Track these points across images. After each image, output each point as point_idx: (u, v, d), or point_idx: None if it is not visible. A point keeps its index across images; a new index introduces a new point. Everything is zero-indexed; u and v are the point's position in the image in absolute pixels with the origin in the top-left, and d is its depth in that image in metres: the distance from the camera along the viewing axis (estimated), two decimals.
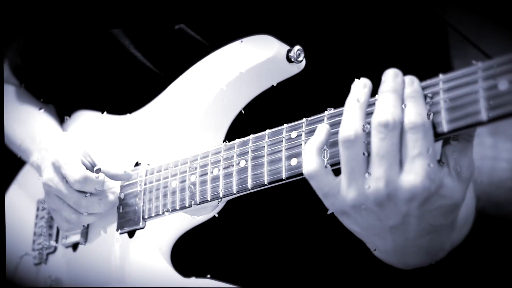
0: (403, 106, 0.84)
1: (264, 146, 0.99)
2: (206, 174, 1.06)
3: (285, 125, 0.97)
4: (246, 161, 1.00)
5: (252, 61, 1.10)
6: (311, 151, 0.88)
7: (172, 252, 1.18)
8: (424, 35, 1.19)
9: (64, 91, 1.41)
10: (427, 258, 0.95)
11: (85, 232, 1.28)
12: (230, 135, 1.12)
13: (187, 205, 1.08)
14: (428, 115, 0.83)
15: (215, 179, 1.04)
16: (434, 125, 0.83)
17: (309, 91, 1.13)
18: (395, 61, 1.13)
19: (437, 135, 0.83)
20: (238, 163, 1.02)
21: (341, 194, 0.86)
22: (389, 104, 0.83)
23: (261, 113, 1.11)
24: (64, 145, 1.22)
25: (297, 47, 1.08)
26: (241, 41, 1.12)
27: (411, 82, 0.85)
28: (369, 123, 0.85)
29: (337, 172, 0.88)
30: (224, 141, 1.07)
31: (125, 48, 1.27)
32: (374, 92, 0.88)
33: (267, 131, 1.00)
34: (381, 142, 0.82)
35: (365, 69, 1.10)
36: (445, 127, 0.81)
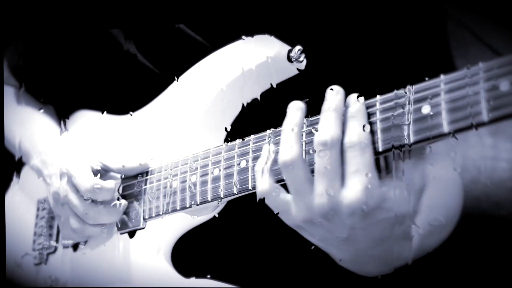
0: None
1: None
2: (207, 174, 1.06)
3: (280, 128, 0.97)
4: (247, 161, 1.01)
5: (253, 61, 1.10)
6: (259, 173, 0.93)
7: (173, 252, 1.18)
8: (424, 35, 1.19)
9: (64, 91, 1.41)
10: (385, 267, 0.98)
11: None
12: (231, 135, 1.12)
13: (187, 205, 1.08)
14: (363, 128, 0.87)
15: (216, 179, 1.04)
16: (374, 142, 0.87)
17: (310, 91, 1.12)
18: (396, 62, 1.14)
19: (377, 153, 0.87)
20: (239, 164, 1.02)
21: (292, 211, 0.92)
22: (329, 123, 0.88)
23: (262, 113, 1.11)
24: (69, 151, 1.21)
25: (298, 47, 1.08)
26: (243, 38, 1.12)
27: (354, 101, 0.89)
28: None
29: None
30: (225, 141, 1.07)
31: (125, 49, 1.27)
32: (371, 90, 0.90)
33: (268, 131, 1.00)
34: (321, 160, 0.87)
35: (365, 70, 1.10)
36: (445, 128, 0.81)
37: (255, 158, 1.00)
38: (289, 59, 1.08)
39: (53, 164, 1.22)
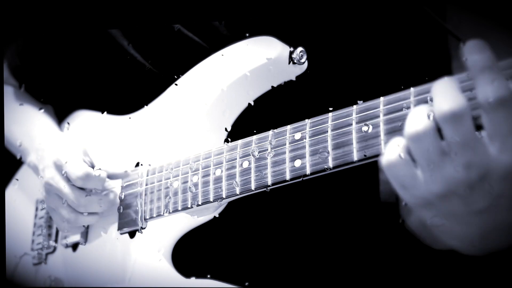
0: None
1: (267, 148, 0.99)
2: (209, 175, 1.06)
3: (289, 126, 0.97)
4: (249, 162, 1.01)
5: (254, 62, 1.10)
6: (390, 144, 0.84)
7: (173, 253, 1.18)
8: (424, 36, 1.19)
9: (63, 91, 1.41)
10: (507, 242, 0.90)
11: (85, 232, 1.28)
12: (232, 136, 1.12)
13: (189, 206, 1.08)
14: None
15: (218, 179, 1.04)
16: None
17: (312, 93, 1.13)
18: (396, 62, 1.14)
19: None
20: (241, 164, 1.02)
21: (425, 184, 0.82)
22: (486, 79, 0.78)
23: (264, 115, 1.11)
24: (64, 144, 1.22)
25: (300, 48, 1.08)
26: (247, 35, 1.12)
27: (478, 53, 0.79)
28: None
29: None
30: (225, 141, 1.07)
31: (124, 49, 1.27)
32: (369, 91, 0.89)
33: (271, 132, 1.00)
34: (456, 131, 0.79)
35: (366, 71, 1.10)
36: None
37: (257, 159, 1.00)
38: (291, 60, 1.08)
39: (47, 158, 1.22)
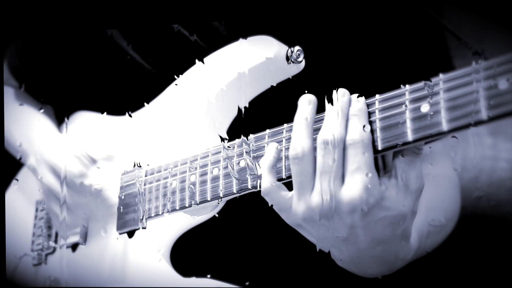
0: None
1: (264, 146, 0.99)
2: (206, 174, 1.06)
3: (285, 125, 0.98)
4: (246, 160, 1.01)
5: (252, 62, 1.10)
6: (263, 170, 0.94)
7: (172, 252, 1.18)
8: (422, 35, 1.19)
9: (63, 92, 1.41)
10: (384, 268, 0.98)
11: (85, 233, 1.28)
12: (230, 135, 1.12)
13: (187, 205, 1.08)
14: (363, 128, 0.88)
15: (215, 179, 1.04)
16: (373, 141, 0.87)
17: (309, 92, 1.12)
18: (394, 62, 1.14)
19: (376, 152, 0.87)
20: (238, 163, 1.02)
21: (293, 208, 0.92)
22: (333, 122, 0.88)
23: (261, 114, 1.11)
24: (61, 148, 1.22)
25: (297, 47, 1.08)
26: (242, 39, 1.13)
27: (356, 101, 0.89)
28: None
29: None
30: (223, 140, 1.07)
31: (123, 49, 1.27)
32: (369, 91, 0.90)
33: (267, 131, 1.00)
34: (323, 158, 0.88)
35: (364, 70, 1.10)
36: (445, 127, 0.81)
37: (255, 158, 1.00)
38: (288, 59, 1.08)
39: (45, 162, 1.22)
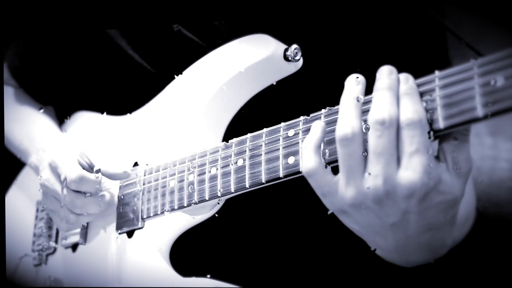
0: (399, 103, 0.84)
1: (261, 145, 0.99)
2: (204, 173, 1.06)
3: (282, 124, 0.97)
4: (244, 160, 1.00)
5: (250, 60, 1.10)
6: (308, 150, 0.88)
7: (171, 252, 1.18)
8: (422, 35, 1.19)
9: (63, 92, 1.42)
10: (429, 255, 0.94)
11: (84, 233, 1.28)
12: (229, 134, 1.12)
13: (185, 205, 1.08)
14: (427, 111, 0.82)
15: (213, 178, 1.04)
16: (431, 122, 0.82)
17: (307, 90, 1.13)
18: (393, 61, 1.13)
19: (434, 132, 0.83)
20: (236, 162, 1.02)
21: (340, 193, 0.86)
22: (385, 102, 0.83)
23: (259, 112, 1.11)
24: (61, 146, 1.22)
25: (294, 46, 1.08)
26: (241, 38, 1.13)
27: (406, 80, 0.85)
28: (365, 121, 0.84)
29: (336, 171, 0.88)
30: (223, 139, 1.07)
31: (123, 49, 1.27)
32: (369, 90, 0.88)
33: (265, 129, 0.99)
34: (378, 140, 0.82)
35: (362, 68, 1.10)
36: (441, 124, 0.81)
37: (252, 157, 1.00)
38: (286, 58, 1.08)
39: (45, 159, 1.22)
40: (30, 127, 1.37)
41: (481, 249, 1.32)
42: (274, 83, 1.11)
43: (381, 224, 0.87)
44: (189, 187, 1.07)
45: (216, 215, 1.12)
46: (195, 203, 1.07)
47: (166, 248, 1.18)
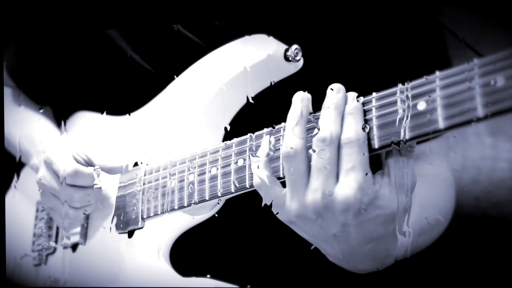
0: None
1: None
2: (204, 173, 1.06)
3: (283, 124, 0.98)
4: (244, 160, 1.01)
5: (250, 61, 1.10)
6: (256, 164, 0.94)
7: (171, 252, 1.18)
8: (421, 35, 1.19)
9: (62, 93, 1.42)
10: (375, 264, 0.99)
11: (84, 233, 1.28)
12: (229, 134, 1.12)
13: (185, 205, 1.08)
14: (363, 128, 0.87)
15: (213, 178, 1.04)
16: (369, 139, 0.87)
17: (307, 90, 1.13)
18: (392, 61, 1.14)
19: (372, 151, 0.87)
20: (236, 162, 1.02)
21: (286, 204, 0.92)
22: (329, 120, 0.88)
23: (259, 113, 1.11)
24: (57, 144, 1.23)
25: (295, 46, 1.08)
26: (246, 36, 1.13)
27: (352, 99, 0.89)
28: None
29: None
30: (224, 139, 1.07)
31: (122, 50, 1.27)
32: (365, 92, 0.90)
33: (265, 130, 1.00)
34: (318, 156, 0.87)
35: (362, 69, 1.10)
36: (441, 124, 0.81)
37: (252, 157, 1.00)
38: (286, 58, 1.08)
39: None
40: (30, 129, 1.37)
41: (481, 249, 1.33)
42: (274, 83, 1.12)
43: (325, 234, 0.92)
44: (189, 187, 1.07)
45: (216, 215, 1.12)
46: (195, 203, 1.07)
47: (166, 248, 1.18)
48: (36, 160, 1.30)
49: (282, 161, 0.91)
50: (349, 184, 0.86)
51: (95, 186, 1.19)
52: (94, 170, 1.18)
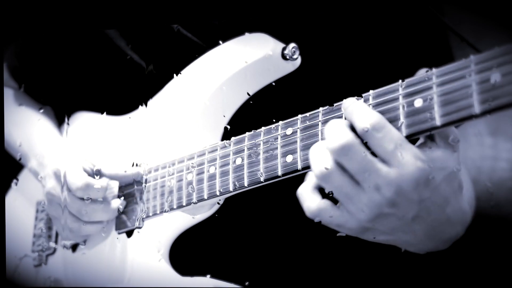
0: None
1: (259, 144, 0.99)
2: (203, 172, 1.06)
3: (280, 122, 0.98)
4: (242, 159, 1.01)
5: (248, 59, 1.10)
6: (306, 193, 0.91)
7: (171, 252, 1.18)
8: (423, 35, 1.19)
9: (63, 92, 1.42)
10: (458, 227, 0.96)
11: None
12: (228, 133, 1.12)
13: (184, 204, 1.08)
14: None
15: (212, 177, 1.05)
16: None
17: (305, 89, 1.13)
18: (392, 61, 1.14)
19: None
20: (234, 161, 1.02)
21: (353, 217, 0.88)
22: (333, 130, 0.86)
23: (257, 111, 1.11)
24: (64, 152, 1.22)
25: (292, 44, 1.08)
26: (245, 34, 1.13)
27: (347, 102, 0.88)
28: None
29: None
30: (223, 139, 1.08)
31: (122, 50, 1.27)
32: (367, 90, 0.89)
33: (263, 128, 1.00)
34: (350, 162, 0.85)
35: (360, 67, 1.10)
36: (438, 121, 0.81)
37: (250, 156, 1.00)
38: (284, 56, 1.08)
39: (48, 166, 1.22)
40: (29, 130, 1.37)
41: (481, 249, 1.32)
42: (273, 82, 1.12)
43: (405, 223, 0.89)
44: (188, 187, 1.07)
45: (216, 214, 1.12)
46: (194, 203, 1.07)
47: (165, 247, 1.18)
48: (34, 163, 1.29)
49: (322, 184, 0.88)
50: (403, 159, 0.84)
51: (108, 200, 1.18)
52: (95, 171, 1.17)
